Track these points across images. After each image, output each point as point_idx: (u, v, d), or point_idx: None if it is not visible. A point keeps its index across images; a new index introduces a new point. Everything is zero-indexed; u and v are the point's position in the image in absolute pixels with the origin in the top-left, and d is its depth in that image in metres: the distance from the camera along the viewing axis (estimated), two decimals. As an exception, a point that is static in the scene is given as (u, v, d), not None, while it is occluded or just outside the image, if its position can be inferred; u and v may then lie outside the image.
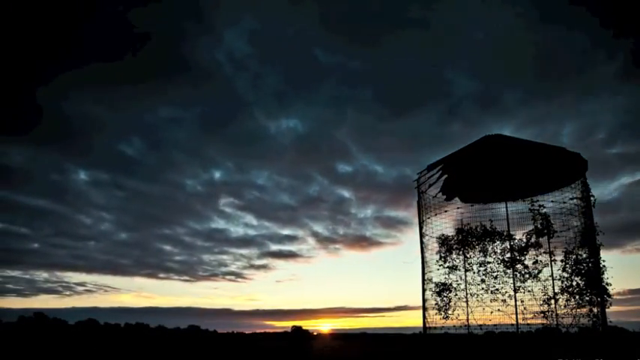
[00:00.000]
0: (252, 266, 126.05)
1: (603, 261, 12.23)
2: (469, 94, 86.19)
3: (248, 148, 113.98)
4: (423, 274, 14.02)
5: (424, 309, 13.73)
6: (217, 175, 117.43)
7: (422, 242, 14.15)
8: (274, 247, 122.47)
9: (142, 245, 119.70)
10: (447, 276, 13.67)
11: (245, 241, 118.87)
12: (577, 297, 12.05)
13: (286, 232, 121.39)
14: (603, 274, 12.10)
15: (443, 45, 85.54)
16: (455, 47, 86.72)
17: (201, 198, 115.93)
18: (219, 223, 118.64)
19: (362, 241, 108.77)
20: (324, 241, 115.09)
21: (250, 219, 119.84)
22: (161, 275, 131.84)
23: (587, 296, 11.96)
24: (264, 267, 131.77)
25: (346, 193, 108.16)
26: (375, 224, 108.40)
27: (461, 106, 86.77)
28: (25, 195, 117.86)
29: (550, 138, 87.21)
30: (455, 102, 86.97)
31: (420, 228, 14.24)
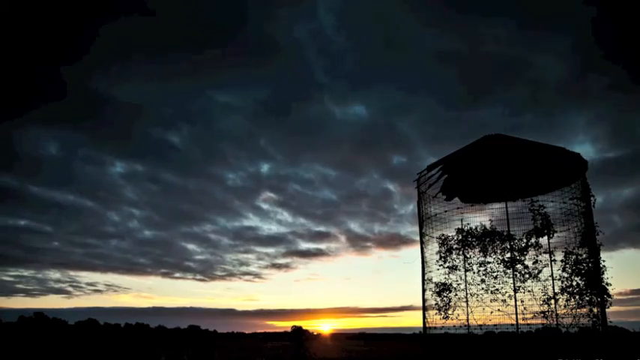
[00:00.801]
0: (273, 265, 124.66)
1: (603, 261, 12.25)
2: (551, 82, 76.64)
3: (304, 139, 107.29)
4: (423, 274, 14.02)
5: (424, 309, 13.73)
6: (264, 168, 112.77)
7: (422, 242, 14.15)
8: (303, 246, 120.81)
9: (165, 244, 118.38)
10: (446, 276, 13.66)
11: (274, 239, 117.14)
12: (577, 297, 12.05)
13: (320, 228, 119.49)
14: (603, 274, 12.10)
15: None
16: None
17: (240, 193, 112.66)
18: (252, 221, 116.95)
19: (394, 240, 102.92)
20: (355, 239, 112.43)
21: (286, 216, 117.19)
22: (177, 275, 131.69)
23: (587, 296, 11.96)
24: (285, 266, 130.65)
25: (392, 188, 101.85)
26: (413, 222, 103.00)
27: (540, 95, 78.52)
28: (56, 189, 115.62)
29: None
30: (534, 90, 78.04)
31: (420, 228, 14.24)
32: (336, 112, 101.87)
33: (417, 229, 14.60)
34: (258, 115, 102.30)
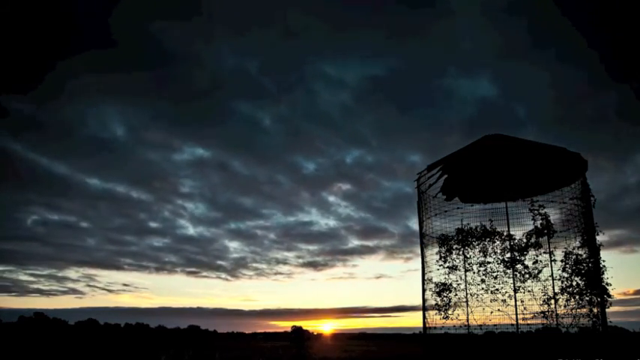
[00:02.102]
0: (309, 264, 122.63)
1: (603, 261, 12.26)
2: None
3: (409, 120, 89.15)
4: (423, 274, 14.03)
5: (424, 309, 13.73)
6: (352, 155, 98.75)
7: (422, 242, 14.15)
8: (354, 243, 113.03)
9: (206, 241, 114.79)
10: (446, 276, 13.67)
11: (324, 236, 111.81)
12: (577, 297, 12.05)
13: (382, 224, 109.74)
14: (603, 274, 12.11)
15: None
16: None
17: (312, 184, 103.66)
18: (310, 215, 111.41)
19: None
20: (410, 236, 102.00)
21: (349, 210, 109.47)
22: (203, 274, 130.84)
23: (587, 296, 11.96)
24: (322, 264, 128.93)
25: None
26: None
27: None
28: (115, 179, 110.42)
29: None
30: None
31: (420, 228, 14.24)
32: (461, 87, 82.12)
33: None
34: (366, 92, 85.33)
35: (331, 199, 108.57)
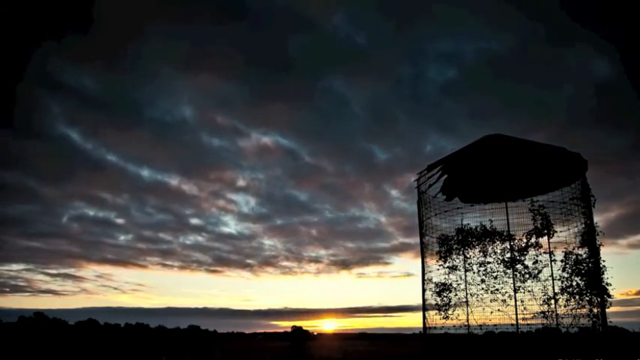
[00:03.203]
0: (341, 262, 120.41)
1: (603, 261, 12.26)
2: None
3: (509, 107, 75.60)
4: (423, 274, 14.03)
5: (424, 309, 13.73)
6: (442, 142, 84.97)
7: (422, 242, 14.16)
8: (398, 240, 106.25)
9: (244, 239, 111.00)
10: (446, 276, 13.67)
11: (369, 233, 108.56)
12: (577, 297, 12.05)
13: None
14: (603, 274, 12.11)
15: None
16: None
17: (378, 175, 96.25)
18: (363, 210, 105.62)
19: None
20: None
21: (406, 205, 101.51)
22: (227, 273, 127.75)
23: (587, 296, 11.96)
24: (354, 263, 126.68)
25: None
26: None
27: None
28: (170, 169, 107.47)
29: None
30: None
31: (420, 228, 14.24)
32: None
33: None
34: (475, 71, 73.98)
35: (393, 192, 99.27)
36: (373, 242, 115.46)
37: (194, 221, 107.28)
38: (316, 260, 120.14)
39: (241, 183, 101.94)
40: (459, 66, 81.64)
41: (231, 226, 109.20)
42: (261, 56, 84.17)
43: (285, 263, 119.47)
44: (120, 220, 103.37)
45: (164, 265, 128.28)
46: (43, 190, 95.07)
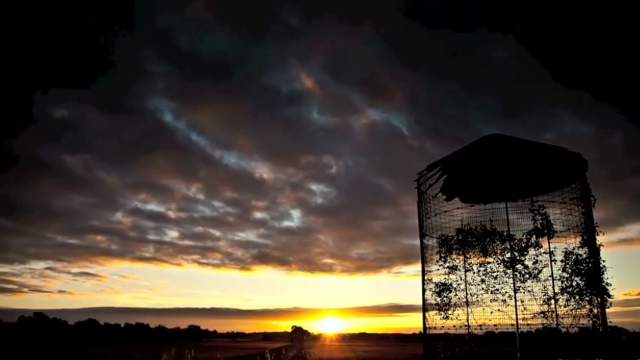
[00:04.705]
0: (386, 260, 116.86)
1: (603, 261, 12.26)
2: None
3: None
4: (423, 274, 14.03)
5: (424, 309, 13.73)
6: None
7: (422, 242, 14.16)
8: None
9: (301, 234, 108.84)
10: (446, 276, 13.67)
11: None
12: (577, 297, 12.05)
13: None
14: (603, 274, 12.11)
15: None
16: None
17: None
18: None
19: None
20: None
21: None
22: (259, 272, 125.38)
23: (587, 296, 11.96)
24: (391, 262, 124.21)
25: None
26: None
27: None
28: (259, 153, 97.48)
29: None
30: None
31: (420, 228, 14.24)
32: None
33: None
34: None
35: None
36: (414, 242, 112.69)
37: (257, 215, 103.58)
38: (361, 258, 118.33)
39: (332, 171, 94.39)
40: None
41: (293, 220, 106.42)
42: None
43: (325, 260, 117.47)
44: (175, 214, 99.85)
45: (200, 264, 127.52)
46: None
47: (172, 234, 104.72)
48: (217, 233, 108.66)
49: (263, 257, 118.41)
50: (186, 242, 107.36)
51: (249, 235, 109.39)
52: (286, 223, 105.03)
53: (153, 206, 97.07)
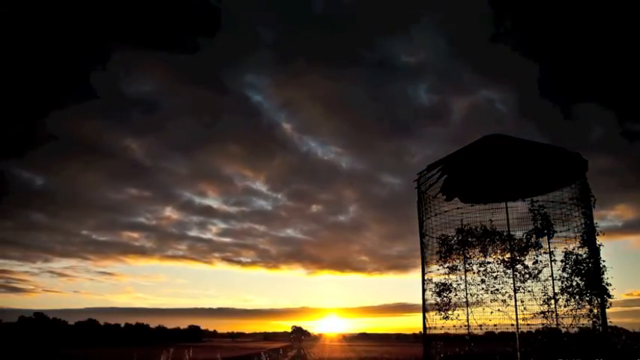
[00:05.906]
0: (404, 259, 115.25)
1: (603, 261, 12.25)
2: None
3: None
4: (423, 274, 14.02)
5: (424, 310, 13.72)
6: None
7: (422, 242, 14.15)
8: None
9: (349, 230, 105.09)
10: (446, 276, 13.66)
11: None
12: (577, 297, 12.05)
13: None
14: (603, 274, 12.11)
15: None
16: None
17: None
18: None
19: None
20: None
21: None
22: (281, 272, 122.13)
23: (587, 296, 11.96)
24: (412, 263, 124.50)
25: None
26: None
27: None
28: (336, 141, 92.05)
29: None
30: None
31: (420, 228, 14.24)
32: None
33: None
34: None
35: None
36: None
37: (315, 209, 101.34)
38: (385, 259, 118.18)
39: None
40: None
41: (349, 214, 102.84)
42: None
43: (361, 258, 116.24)
44: (222, 207, 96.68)
45: (230, 262, 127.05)
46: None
47: (214, 230, 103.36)
48: (262, 229, 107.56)
49: (295, 255, 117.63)
50: (224, 239, 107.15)
51: (294, 231, 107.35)
52: (340, 218, 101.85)
53: (208, 200, 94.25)
